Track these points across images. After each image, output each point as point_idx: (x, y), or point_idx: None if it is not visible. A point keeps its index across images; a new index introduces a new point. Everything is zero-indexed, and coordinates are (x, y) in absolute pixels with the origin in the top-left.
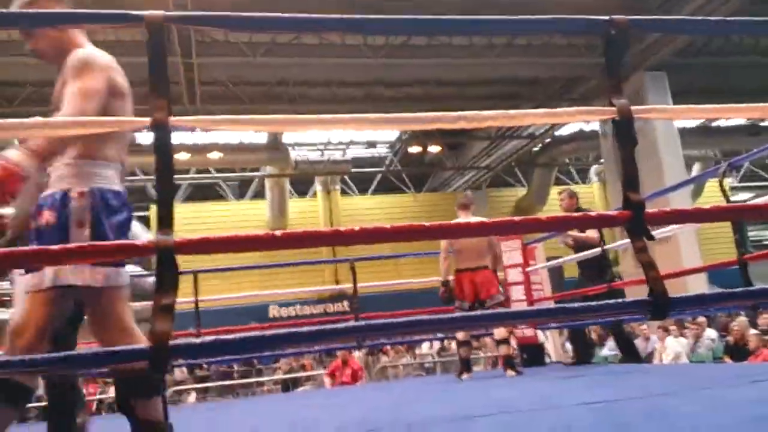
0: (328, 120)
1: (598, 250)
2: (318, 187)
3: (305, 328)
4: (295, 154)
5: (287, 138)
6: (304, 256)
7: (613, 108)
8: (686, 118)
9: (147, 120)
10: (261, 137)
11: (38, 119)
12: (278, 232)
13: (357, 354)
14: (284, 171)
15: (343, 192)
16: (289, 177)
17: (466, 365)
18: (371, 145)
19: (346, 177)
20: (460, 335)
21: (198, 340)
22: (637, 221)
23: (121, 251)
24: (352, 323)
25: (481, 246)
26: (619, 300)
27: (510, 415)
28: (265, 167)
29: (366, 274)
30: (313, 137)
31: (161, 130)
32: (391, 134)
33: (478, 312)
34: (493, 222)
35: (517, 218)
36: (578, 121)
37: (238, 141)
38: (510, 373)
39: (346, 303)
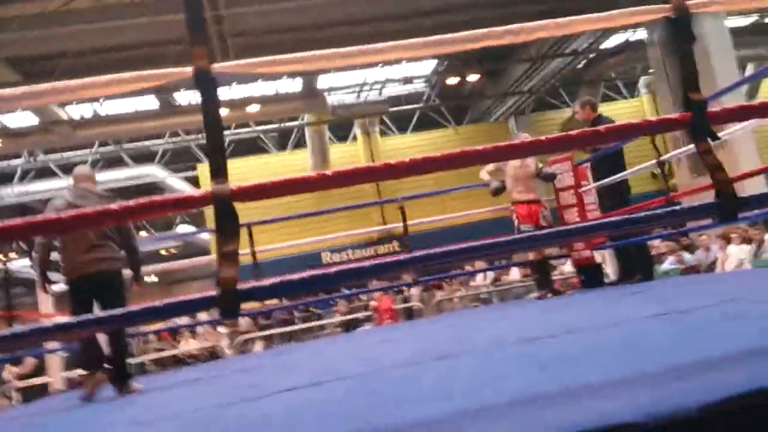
0: (368, 50)
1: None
2: (357, 130)
3: (365, 263)
4: (331, 100)
5: (322, 83)
6: (352, 200)
7: (668, 5)
8: (744, 8)
9: (189, 69)
10: (297, 85)
11: (84, 80)
12: (329, 171)
13: (413, 291)
14: (322, 118)
15: (383, 133)
16: (327, 123)
17: (541, 283)
18: (407, 81)
19: (384, 117)
20: (531, 255)
21: (265, 282)
22: (699, 121)
23: (179, 205)
24: (408, 255)
25: (528, 175)
26: (689, 205)
27: (579, 334)
28: (303, 116)
29: (412, 213)
30: (348, 79)
31: (205, 78)
32: (428, 67)
33: (539, 231)
34: (545, 139)
35: (571, 132)
36: (633, 22)
37: (274, 92)
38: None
39: (396, 243)
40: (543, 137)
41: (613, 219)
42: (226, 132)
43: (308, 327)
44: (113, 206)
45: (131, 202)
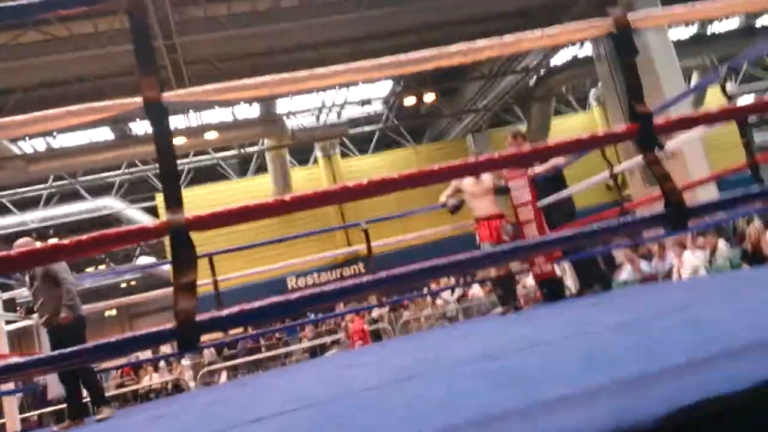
0: (323, 74)
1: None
2: (318, 153)
3: (328, 287)
4: (290, 124)
5: (281, 108)
6: (315, 225)
7: (609, 20)
8: (684, 20)
9: (139, 100)
10: (255, 111)
11: (34, 114)
12: (287, 196)
13: (378, 312)
14: (282, 142)
15: (344, 154)
16: (287, 147)
17: (504, 299)
18: (366, 102)
19: (344, 139)
20: (494, 272)
21: (224, 312)
22: (646, 132)
23: (133, 237)
24: (374, 276)
25: (485, 191)
26: (641, 216)
27: (541, 347)
28: (262, 141)
29: (376, 235)
30: (306, 103)
31: (155, 107)
32: (384, 88)
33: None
34: (497, 156)
35: (523, 149)
36: (576, 38)
37: (232, 118)
38: (497, 311)
39: (361, 265)
40: (496, 154)
41: (570, 232)
42: (185, 160)
43: (274, 355)
44: (66, 242)
45: (84, 237)
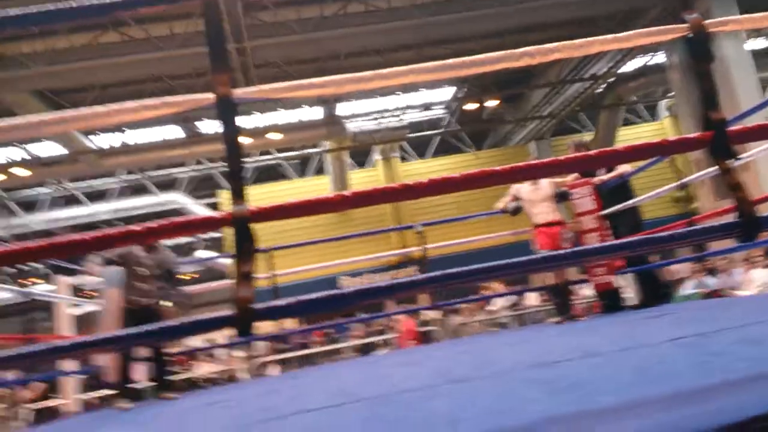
0: (387, 74)
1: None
2: (377, 156)
3: (382, 282)
4: (351, 126)
5: (343, 111)
6: (372, 226)
7: (686, 24)
8: (762, 26)
9: (211, 96)
10: (318, 113)
11: (112, 106)
12: (346, 192)
13: (429, 314)
14: (342, 144)
15: (403, 158)
16: (347, 149)
17: (560, 308)
18: (427, 107)
19: (404, 143)
20: (551, 280)
21: (280, 302)
22: (720, 140)
23: (199, 225)
24: (429, 274)
25: (544, 197)
26: (710, 225)
27: (596, 358)
28: (323, 143)
29: (432, 239)
30: (368, 106)
31: (226, 103)
32: (447, 94)
33: (556, 252)
34: (563, 158)
35: (590, 152)
36: (650, 41)
37: (296, 120)
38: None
39: (415, 268)
40: (561, 157)
41: (633, 239)
42: (248, 159)
43: (324, 351)
44: (136, 227)
45: (154, 223)
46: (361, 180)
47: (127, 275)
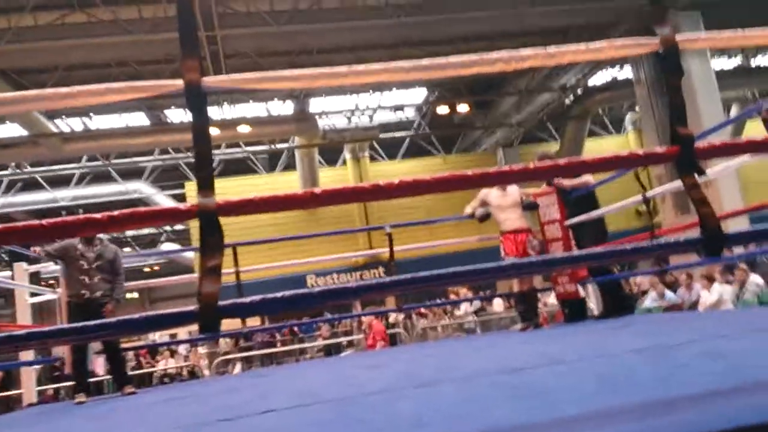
0: (362, 71)
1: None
2: (347, 155)
3: (349, 284)
4: (322, 123)
5: (314, 107)
6: (339, 226)
7: (656, 39)
8: (730, 45)
9: (180, 82)
10: (288, 108)
11: (77, 88)
12: (317, 189)
13: (395, 317)
14: (313, 141)
15: (372, 158)
16: (317, 147)
17: (525, 315)
18: (398, 108)
19: (374, 143)
20: (516, 287)
21: (246, 299)
22: (686, 155)
23: (164, 216)
24: (394, 277)
25: (512, 204)
26: (675, 239)
27: (560, 366)
28: (293, 138)
29: (399, 241)
30: (339, 104)
31: (195, 91)
32: (418, 96)
33: (523, 259)
34: (533, 166)
35: (559, 161)
36: (622, 54)
37: (266, 114)
38: (516, 327)
39: (381, 270)
40: (531, 164)
41: (599, 250)
42: (215, 151)
43: (289, 350)
44: (99, 216)
45: (117, 213)
46: (330, 178)
47: (69, 269)
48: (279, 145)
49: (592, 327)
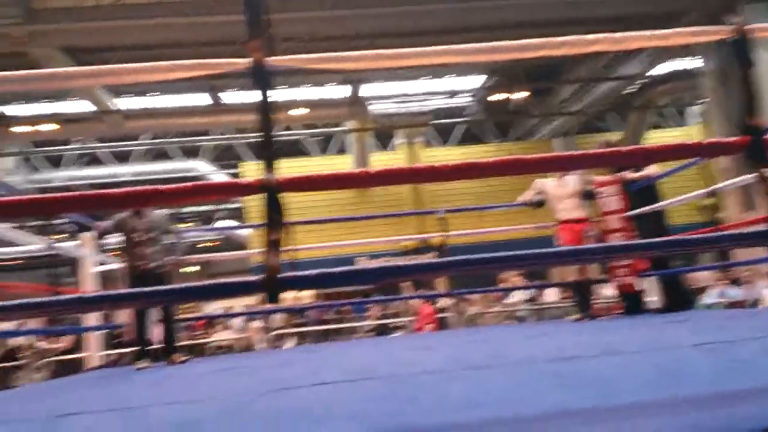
0: (420, 53)
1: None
2: (400, 139)
3: (403, 263)
4: (374, 108)
5: (366, 92)
6: (390, 210)
7: (726, 27)
8: None
9: (245, 61)
10: (343, 92)
11: (146, 64)
12: (372, 169)
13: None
14: (365, 125)
15: (426, 144)
16: (370, 131)
17: (581, 306)
18: (452, 94)
19: (428, 128)
20: (573, 277)
21: (305, 272)
22: (757, 146)
23: (227, 190)
24: (449, 259)
25: (569, 194)
26: (741, 230)
27: (616, 356)
28: (345, 122)
29: (452, 226)
30: (393, 89)
31: (261, 70)
32: (477, 82)
33: (581, 246)
34: (591, 153)
35: (621, 148)
36: (690, 41)
37: (319, 97)
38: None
39: (433, 254)
40: (590, 151)
41: (662, 240)
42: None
43: (341, 328)
44: (165, 187)
45: (182, 185)
46: (383, 162)
47: (126, 242)
48: (332, 129)
49: (650, 320)
